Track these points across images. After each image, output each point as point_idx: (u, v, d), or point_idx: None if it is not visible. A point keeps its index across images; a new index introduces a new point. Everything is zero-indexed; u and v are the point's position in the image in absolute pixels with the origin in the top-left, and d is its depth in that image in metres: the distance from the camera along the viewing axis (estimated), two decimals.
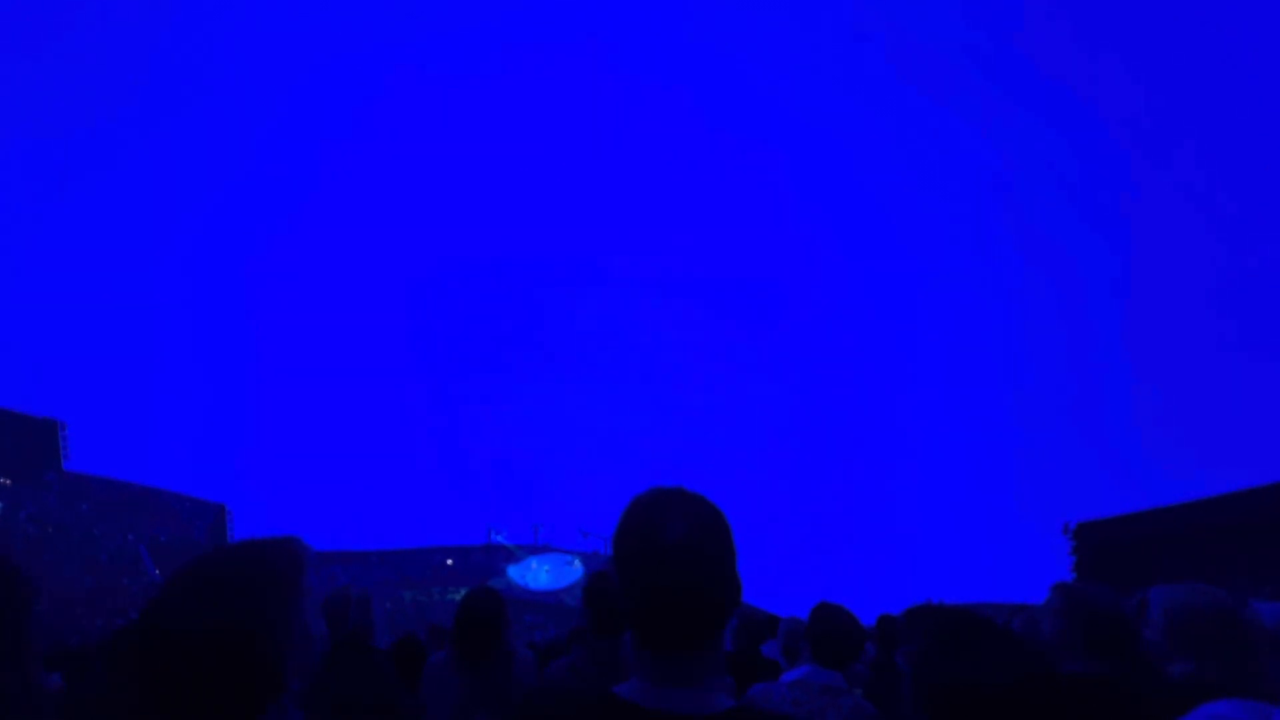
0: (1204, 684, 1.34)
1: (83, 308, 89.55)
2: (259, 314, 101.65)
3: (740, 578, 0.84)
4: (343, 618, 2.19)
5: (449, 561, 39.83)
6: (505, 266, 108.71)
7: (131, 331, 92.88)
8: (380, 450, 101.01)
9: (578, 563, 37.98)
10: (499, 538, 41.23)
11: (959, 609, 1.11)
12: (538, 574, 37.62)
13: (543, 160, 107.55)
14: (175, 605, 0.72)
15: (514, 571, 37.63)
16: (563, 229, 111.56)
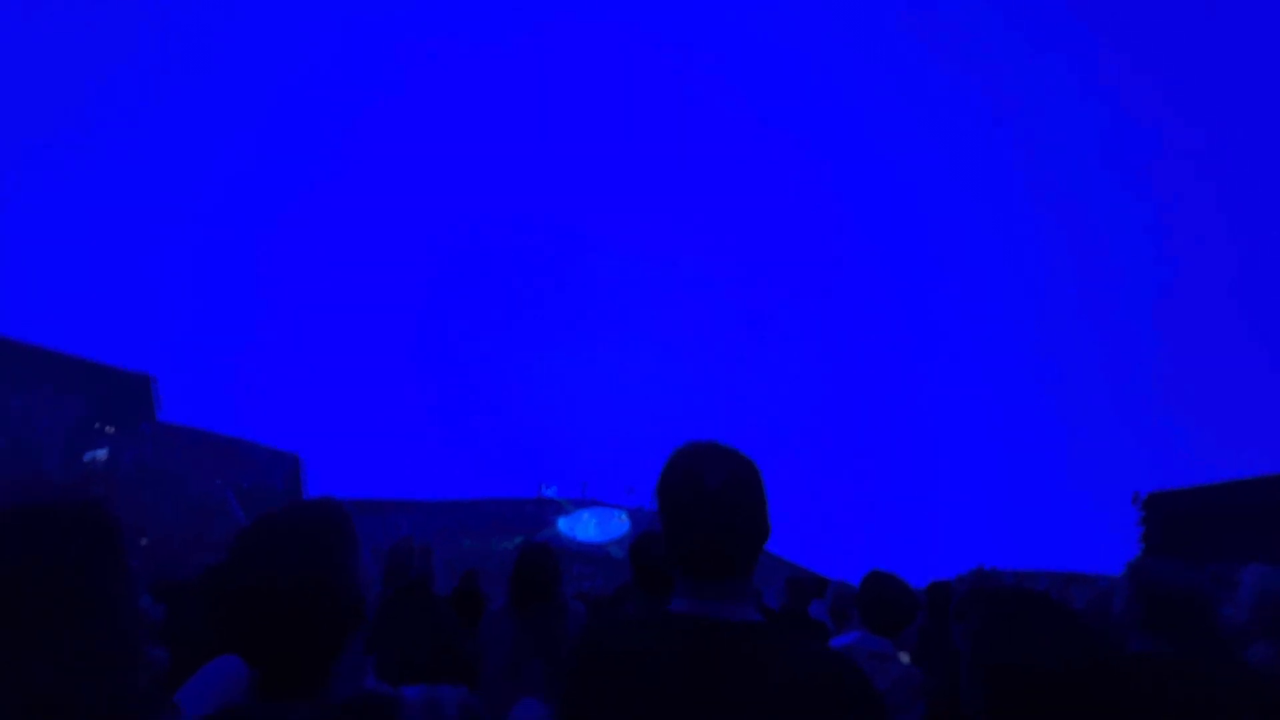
0: None
1: (174, 276, 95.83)
2: (327, 281, 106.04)
3: (770, 522, 0.94)
4: (407, 566, 2.33)
5: (503, 512, 41.58)
6: (558, 230, 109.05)
7: (213, 295, 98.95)
8: (440, 408, 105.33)
9: (624, 517, 38.93)
10: (549, 492, 42.67)
11: (1018, 589, 1.07)
12: (586, 527, 38.82)
13: (599, 124, 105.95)
14: (260, 560, 0.78)
15: (563, 524, 38.95)
16: (616, 193, 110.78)
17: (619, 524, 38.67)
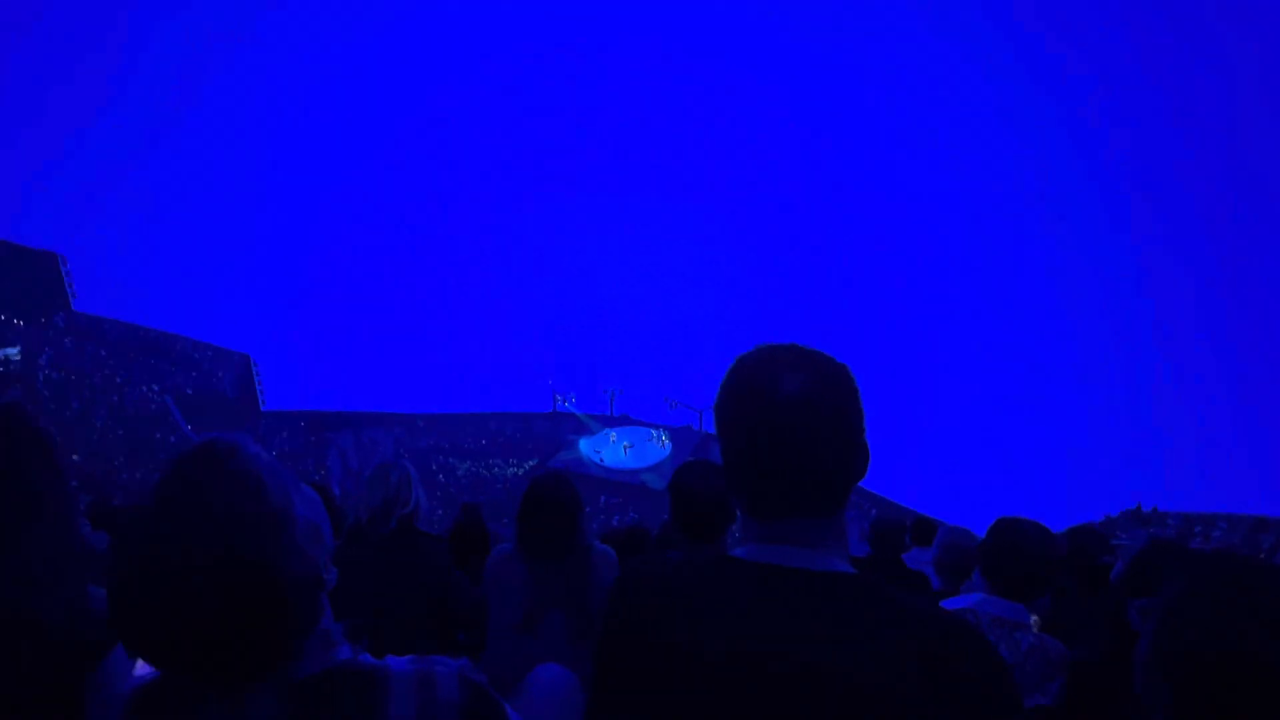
0: None
1: (83, 137, 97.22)
2: (286, 152, 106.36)
3: (868, 445, 0.90)
4: (394, 500, 2.43)
5: (509, 429, 43.34)
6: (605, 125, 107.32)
7: (131, 159, 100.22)
8: (430, 300, 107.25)
9: (664, 438, 39.67)
10: (566, 405, 43.96)
11: (1228, 553, 1.01)
12: (615, 449, 39.92)
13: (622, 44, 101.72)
14: (159, 559, 0.73)
15: (585, 445, 40.17)
16: (642, 91, 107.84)
17: (656, 446, 39.64)
